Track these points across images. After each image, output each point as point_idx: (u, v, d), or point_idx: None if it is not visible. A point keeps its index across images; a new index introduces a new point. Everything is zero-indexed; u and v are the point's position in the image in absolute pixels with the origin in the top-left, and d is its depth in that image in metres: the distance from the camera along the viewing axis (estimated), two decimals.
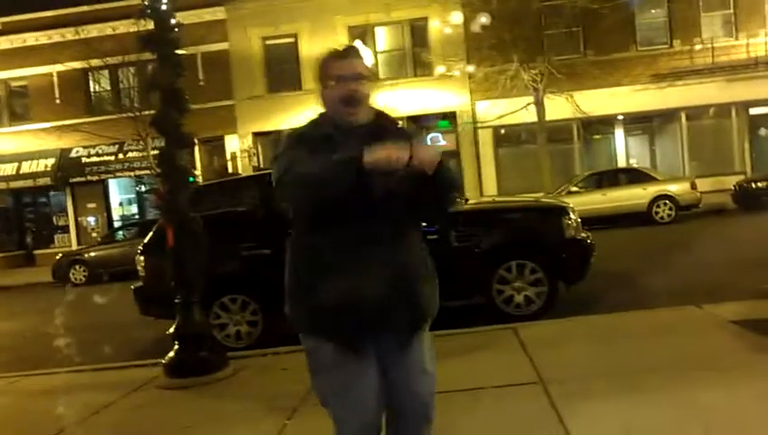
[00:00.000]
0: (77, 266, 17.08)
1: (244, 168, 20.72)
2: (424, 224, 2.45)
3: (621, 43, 20.81)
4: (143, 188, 22.94)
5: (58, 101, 22.78)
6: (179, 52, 5.37)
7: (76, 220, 23.29)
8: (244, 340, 6.45)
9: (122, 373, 5.76)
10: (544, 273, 6.29)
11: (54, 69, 22.25)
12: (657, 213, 15.52)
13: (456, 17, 19.24)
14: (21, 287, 17.62)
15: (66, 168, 22.39)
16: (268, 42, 22.06)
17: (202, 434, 4.03)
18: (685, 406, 3.44)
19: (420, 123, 20.19)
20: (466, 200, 7.79)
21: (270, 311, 6.31)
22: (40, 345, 8.35)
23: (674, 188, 15.78)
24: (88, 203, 23.35)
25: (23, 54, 22.71)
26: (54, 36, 22.46)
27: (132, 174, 22.36)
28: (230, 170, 20.28)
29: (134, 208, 24.03)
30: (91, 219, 23.34)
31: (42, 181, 22.55)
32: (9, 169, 22.72)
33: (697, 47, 20.41)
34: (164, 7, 5.23)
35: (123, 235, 18.56)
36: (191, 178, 5.57)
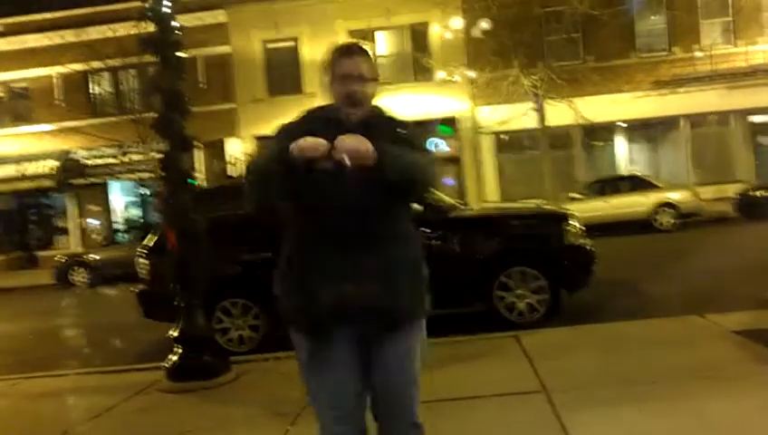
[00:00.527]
0: (79, 269, 17.07)
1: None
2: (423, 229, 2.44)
3: (621, 49, 20.84)
4: (146, 191, 22.93)
5: (59, 104, 22.79)
6: (181, 54, 5.38)
7: (78, 222, 23.27)
8: (247, 344, 6.45)
9: (124, 376, 5.76)
10: (546, 280, 6.28)
11: (55, 71, 22.25)
12: (658, 221, 15.50)
13: (457, 22, 19.28)
14: (23, 289, 17.60)
15: (68, 170, 22.38)
16: (269, 45, 22.09)
17: None
18: (688, 416, 3.43)
19: (426, 126, 20.20)
20: (468, 206, 7.79)
21: (272, 315, 6.30)
22: (42, 348, 8.34)
23: (676, 196, 15.78)
24: (89, 205, 23.33)
25: (24, 56, 22.72)
26: (55, 38, 22.46)
27: (134, 176, 22.35)
28: (231, 173, 20.30)
29: (136, 211, 24.01)
30: (93, 221, 23.33)
31: (43, 183, 22.52)
32: (11, 170, 22.69)
33: (697, 54, 20.44)
34: (165, 10, 5.23)
35: (125, 237, 18.55)
36: (192, 181, 5.56)
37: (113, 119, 21.18)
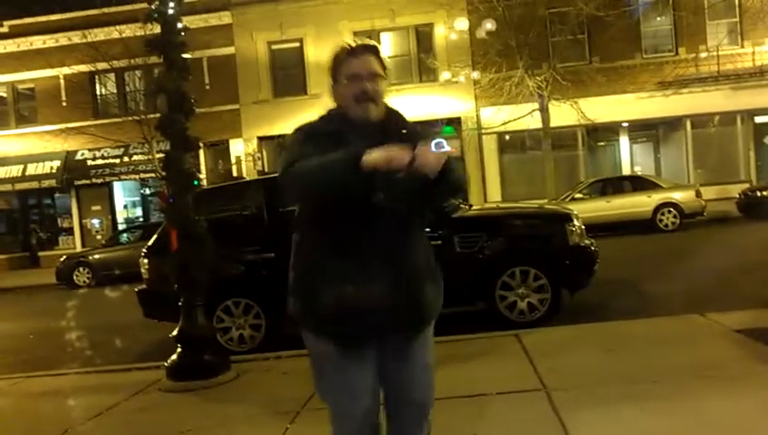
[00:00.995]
0: (81, 269, 17.13)
1: (248, 172, 20.76)
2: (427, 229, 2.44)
3: (627, 50, 20.82)
4: (148, 191, 23.01)
5: (64, 104, 22.88)
6: (186, 56, 5.40)
7: (81, 222, 23.36)
8: (247, 343, 6.46)
9: (125, 376, 5.77)
10: (548, 280, 6.28)
11: (61, 72, 22.35)
12: (661, 221, 15.48)
13: (462, 23, 19.28)
14: (25, 289, 17.65)
15: (71, 170, 22.48)
16: (274, 46, 22.13)
17: None
18: (689, 415, 3.42)
19: (432, 127, 20.19)
20: (470, 206, 7.79)
21: (273, 315, 6.32)
22: (43, 347, 8.37)
23: (678, 196, 15.73)
24: (93, 205, 23.41)
25: (30, 57, 22.83)
26: (61, 39, 22.59)
27: (137, 177, 22.43)
28: (235, 174, 20.34)
29: (138, 211, 24.09)
30: (96, 222, 23.40)
31: (47, 183, 22.64)
32: (15, 170, 22.82)
33: (703, 55, 20.39)
34: (171, 11, 5.25)
35: (127, 237, 18.61)
36: (196, 182, 5.58)
37: (118, 119, 21.26)
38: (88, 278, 16.96)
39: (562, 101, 18.63)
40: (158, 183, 20.45)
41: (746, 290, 6.95)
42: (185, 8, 5.55)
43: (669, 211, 15.48)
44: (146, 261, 6.90)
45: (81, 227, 23.32)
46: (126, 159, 22.17)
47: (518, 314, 6.26)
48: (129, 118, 19.98)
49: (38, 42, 22.91)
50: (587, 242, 6.79)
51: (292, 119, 20.03)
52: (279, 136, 20.29)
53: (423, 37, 21.66)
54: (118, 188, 23.56)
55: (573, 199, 16.04)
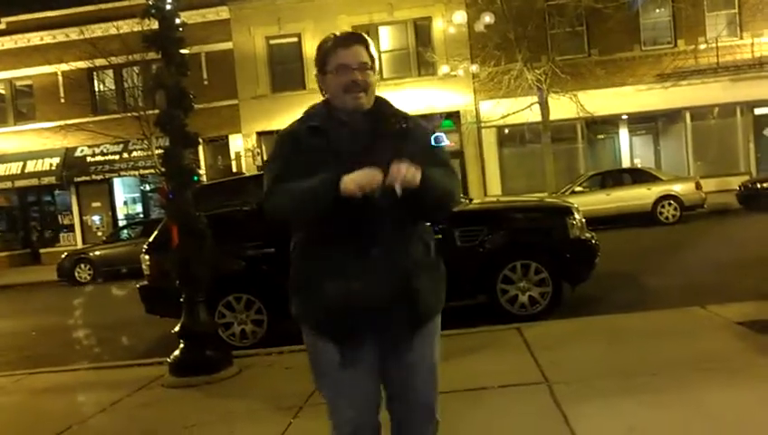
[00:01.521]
0: (82, 265, 17.14)
1: (248, 167, 20.77)
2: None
3: (626, 42, 20.79)
4: (148, 187, 23.00)
5: (63, 101, 22.85)
6: (184, 51, 5.39)
7: (81, 219, 23.36)
8: (249, 339, 6.47)
9: (127, 372, 5.78)
10: (549, 273, 6.28)
11: (59, 68, 22.30)
12: (661, 213, 15.48)
13: (460, 17, 19.23)
14: (26, 286, 17.68)
15: (71, 167, 22.47)
16: (272, 41, 22.08)
17: (206, 433, 4.04)
18: (690, 407, 3.44)
19: (431, 120, 20.15)
20: (471, 200, 7.80)
21: (275, 310, 6.33)
22: (46, 344, 8.39)
23: (678, 189, 15.73)
24: (93, 202, 23.42)
25: (27, 54, 22.79)
26: (59, 36, 22.54)
27: (137, 173, 22.42)
28: (234, 169, 20.34)
29: (139, 207, 24.10)
30: (96, 218, 23.42)
31: (47, 180, 22.64)
32: (14, 168, 22.81)
33: (702, 47, 20.37)
34: (168, 7, 5.24)
35: (128, 234, 18.62)
36: (195, 178, 5.58)
37: (117, 116, 21.22)
38: (89, 275, 16.98)
39: (562, 94, 18.61)
40: (157, 179, 20.41)
41: (747, 282, 6.96)
42: (182, 4, 5.54)
43: (669, 204, 15.48)
44: (147, 257, 6.90)
45: (82, 223, 23.34)
46: (125, 155, 22.16)
47: (519, 307, 6.28)
48: (128, 114, 19.95)
49: (36, 38, 22.86)
50: (587, 235, 6.79)
51: (290, 113, 19.78)
52: (278, 131, 20.26)
53: (421, 31, 21.62)
54: (118, 184, 23.57)
55: (573, 192, 16.04)
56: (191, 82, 5.54)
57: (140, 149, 21.39)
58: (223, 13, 21.98)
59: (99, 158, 22.45)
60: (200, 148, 19.99)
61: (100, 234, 22.19)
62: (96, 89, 23.19)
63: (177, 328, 5.25)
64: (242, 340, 6.46)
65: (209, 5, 21.51)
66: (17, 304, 14.34)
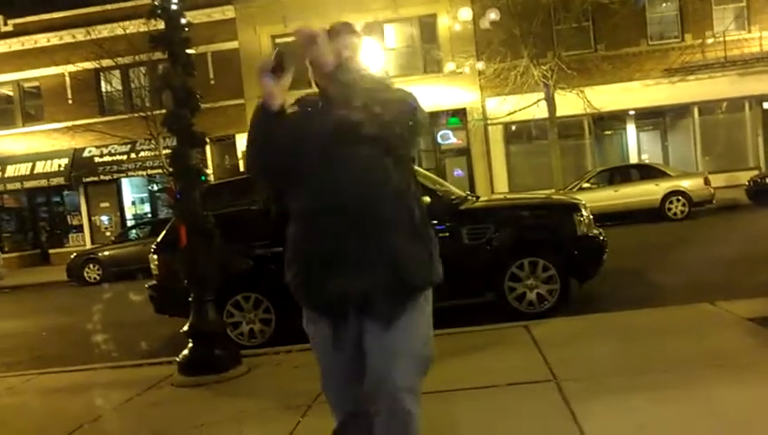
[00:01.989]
0: (91, 265, 17.23)
1: None
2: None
3: (632, 37, 20.70)
4: (155, 187, 23.10)
5: (70, 102, 22.98)
6: (190, 51, 5.40)
7: (90, 219, 23.50)
8: (258, 338, 6.49)
9: (137, 371, 5.81)
10: (556, 270, 6.27)
11: (66, 69, 22.43)
12: (669, 209, 15.41)
13: (466, 13, 19.20)
14: (36, 286, 17.79)
15: (79, 167, 22.59)
16: (278, 40, 22.07)
17: (216, 432, 4.05)
18: (700, 404, 3.42)
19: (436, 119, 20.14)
20: (477, 198, 7.79)
21: (283, 309, 6.34)
22: (56, 344, 8.44)
23: (687, 184, 15.64)
24: (101, 202, 23.55)
25: (35, 55, 22.91)
26: (66, 37, 22.65)
27: (144, 173, 22.53)
28: (241, 169, 20.37)
29: (147, 207, 24.21)
30: (105, 218, 23.54)
31: (55, 181, 22.77)
32: (23, 169, 22.96)
33: (709, 41, 20.25)
34: (174, 7, 5.25)
35: (136, 234, 18.70)
36: (203, 177, 5.59)
37: (124, 116, 21.32)
38: (98, 275, 17.07)
39: (568, 90, 18.55)
40: (165, 179, 20.50)
41: (757, 278, 6.91)
42: (188, 3, 5.56)
43: (678, 199, 15.40)
44: (155, 257, 6.93)
45: (91, 223, 23.47)
46: (133, 155, 22.26)
47: (527, 305, 6.26)
48: (135, 114, 20.04)
49: (43, 40, 22.98)
50: (595, 232, 6.78)
51: None
52: None
53: (426, 28, 21.58)
54: (126, 184, 23.68)
55: (581, 189, 15.99)
56: (197, 81, 5.55)
57: (148, 150, 21.51)
58: (228, 12, 22.04)
59: (107, 158, 22.57)
60: (207, 147, 20.08)
61: (108, 234, 22.31)
62: (103, 89, 23.32)
63: (185, 327, 5.26)
64: (250, 339, 6.49)
65: (215, 5, 21.58)
66: (27, 305, 14.43)
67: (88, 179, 22.79)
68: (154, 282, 7.03)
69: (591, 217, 6.88)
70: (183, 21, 5.32)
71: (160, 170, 20.60)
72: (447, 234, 6.10)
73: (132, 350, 7.31)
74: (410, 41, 21.81)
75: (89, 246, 21.80)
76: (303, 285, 2.20)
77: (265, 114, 2.19)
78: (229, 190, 7.61)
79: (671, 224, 14.65)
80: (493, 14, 17.55)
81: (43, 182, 22.85)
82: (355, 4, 20.97)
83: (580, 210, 6.66)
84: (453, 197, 6.98)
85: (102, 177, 22.66)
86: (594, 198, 13.70)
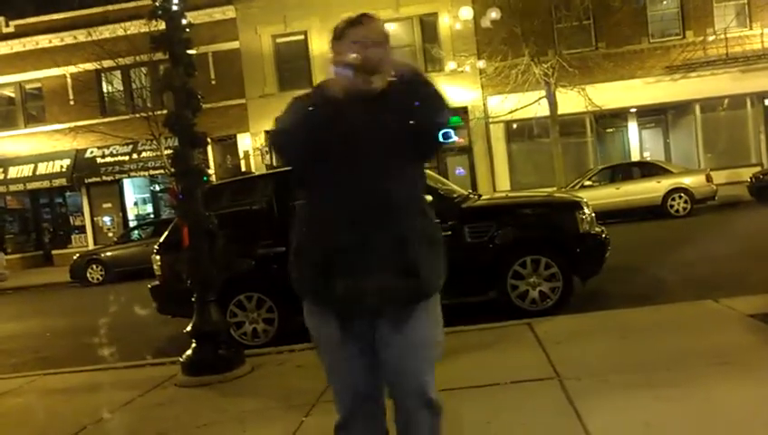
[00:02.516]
0: (94, 266, 17.27)
1: (257, 166, 20.81)
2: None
3: (633, 35, 20.67)
4: (158, 188, 23.13)
5: (72, 103, 23.01)
6: (191, 51, 5.40)
7: (92, 220, 23.52)
8: (261, 338, 6.50)
9: (140, 372, 5.82)
10: (559, 268, 6.26)
11: (68, 71, 22.48)
12: (672, 206, 15.40)
13: (466, 12, 19.19)
14: (40, 287, 17.83)
15: (81, 168, 22.63)
16: (278, 40, 22.12)
17: (219, 432, 4.06)
18: (704, 401, 3.42)
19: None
20: (479, 196, 7.79)
21: (286, 309, 6.35)
22: (60, 345, 8.45)
23: (689, 181, 15.63)
24: (103, 203, 23.58)
25: (36, 57, 22.96)
26: (67, 38, 22.68)
27: (147, 174, 22.56)
28: (243, 169, 20.40)
29: (149, 208, 24.24)
30: (107, 219, 23.57)
31: (57, 182, 22.80)
32: (25, 170, 23.00)
33: (711, 38, 20.22)
34: (175, 8, 5.26)
35: (139, 234, 18.73)
36: (205, 178, 5.60)
37: (125, 117, 21.34)
38: (101, 275, 17.10)
39: (569, 88, 18.53)
40: (167, 179, 20.54)
41: (760, 274, 6.90)
42: (189, 4, 5.56)
43: (680, 196, 15.39)
44: (158, 257, 6.94)
45: (93, 224, 23.50)
46: (135, 156, 22.29)
47: (530, 302, 6.26)
48: (137, 115, 20.06)
49: (44, 41, 23.01)
50: (597, 229, 6.77)
51: None
52: None
53: (427, 27, 21.57)
54: (128, 185, 23.71)
55: (583, 187, 15.98)
56: (199, 82, 5.57)
57: (150, 150, 21.53)
58: (229, 12, 22.04)
59: (108, 159, 22.60)
60: (209, 147, 20.13)
61: (111, 235, 22.34)
62: (104, 90, 23.35)
63: (188, 328, 5.27)
64: (253, 338, 6.49)
65: (216, 5, 21.59)
66: (31, 306, 14.45)
67: (90, 180, 22.82)
68: (157, 282, 7.04)
69: (593, 214, 6.87)
70: (184, 21, 5.32)
71: (162, 171, 20.63)
72: (450, 232, 6.10)
73: (136, 350, 7.32)
74: (411, 40, 21.79)
75: (91, 246, 21.82)
76: (313, 284, 2.18)
77: (305, 108, 2.12)
78: (231, 190, 7.60)
79: (673, 221, 14.64)
80: (494, 13, 17.53)
81: (46, 183, 22.89)
82: (356, 3, 20.91)
83: (582, 208, 6.65)
84: (455, 195, 6.98)
85: (104, 177, 22.69)
86: (596, 196, 13.70)
